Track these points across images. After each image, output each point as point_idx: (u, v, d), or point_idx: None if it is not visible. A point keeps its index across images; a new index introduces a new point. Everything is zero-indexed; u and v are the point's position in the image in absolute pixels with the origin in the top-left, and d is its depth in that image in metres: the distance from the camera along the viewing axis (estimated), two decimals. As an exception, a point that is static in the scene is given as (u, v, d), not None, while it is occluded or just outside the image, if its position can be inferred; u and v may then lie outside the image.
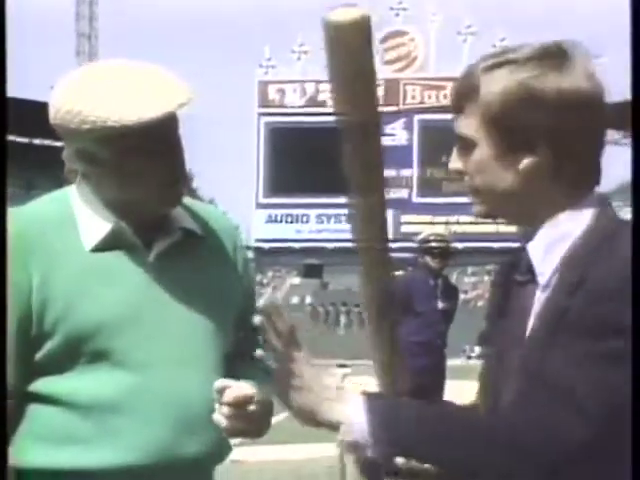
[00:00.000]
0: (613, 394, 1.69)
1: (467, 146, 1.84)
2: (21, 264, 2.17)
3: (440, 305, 8.76)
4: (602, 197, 1.87)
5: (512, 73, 1.77)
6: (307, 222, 64.56)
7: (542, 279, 1.84)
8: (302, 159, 62.53)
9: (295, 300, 60.60)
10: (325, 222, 64.37)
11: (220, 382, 2.14)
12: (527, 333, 1.83)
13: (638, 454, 1.59)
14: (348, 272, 54.56)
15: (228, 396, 2.12)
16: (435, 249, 8.51)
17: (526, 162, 1.79)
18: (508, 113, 1.77)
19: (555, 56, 1.79)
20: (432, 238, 8.72)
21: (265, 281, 61.22)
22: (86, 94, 2.12)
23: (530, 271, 1.86)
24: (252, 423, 2.19)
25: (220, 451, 2.33)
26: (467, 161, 1.86)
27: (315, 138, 63.28)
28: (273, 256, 62.25)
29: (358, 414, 1.71)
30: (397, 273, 8.84)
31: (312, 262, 63.34)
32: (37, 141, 59.17)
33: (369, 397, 1.74)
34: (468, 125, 1.83)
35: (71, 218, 2.25)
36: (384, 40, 65.06)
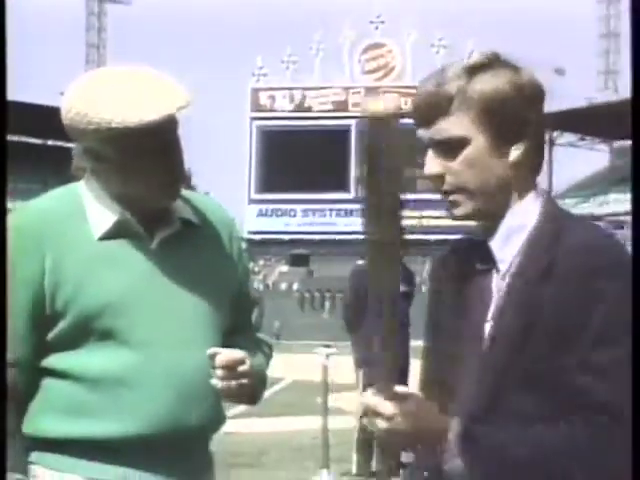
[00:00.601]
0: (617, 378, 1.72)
1: (451, 147, 1.83)
2: (36, 250, 2.18)
3: (401, 288, 8.74)
4: (544, 191, 1.91)
5: (496, 75, 1.81)
6: (294, 216, 64.56)
7: (503, 266, 1.85)
8: (290, 159, 62.49)
9: (283, 286, 60.59)
10: (310, 216, 64.40)
11: (212, 349, 2.17)
12: (495, 317, 1.82)
13: (638, 453, 1.58)
14: (332, 261, 54.60)
15: (220, 359, 2.16)
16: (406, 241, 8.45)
17: (515, 153, 1.82)
18: (501, 108, 1.80)
19: (508, 61, 1.86)
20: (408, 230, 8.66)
21: (256, 269, 61.16)
22: (92, 98, 2.12)
23: (490, 259, 1.86)
24: (245, 387, 2.20)
25: (215, 422, 2.32)
26: (451, 161, 1.84)
27: (302, 140, 63.32)
28: (263, 247, 62.25)
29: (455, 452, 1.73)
30: (359, 262, 8.82)
31: (299, 252, 63.35)
32: (50, 142, 59.00)
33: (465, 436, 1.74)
34: (455, 126, 1.82)
35: (81, 210, 2.25)
36: (364, 51, 65.09)
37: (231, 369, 2.17)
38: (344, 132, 64.22)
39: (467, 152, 1.83)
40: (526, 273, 1.79)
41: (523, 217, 1.85)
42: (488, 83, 1.81)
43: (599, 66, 73.26)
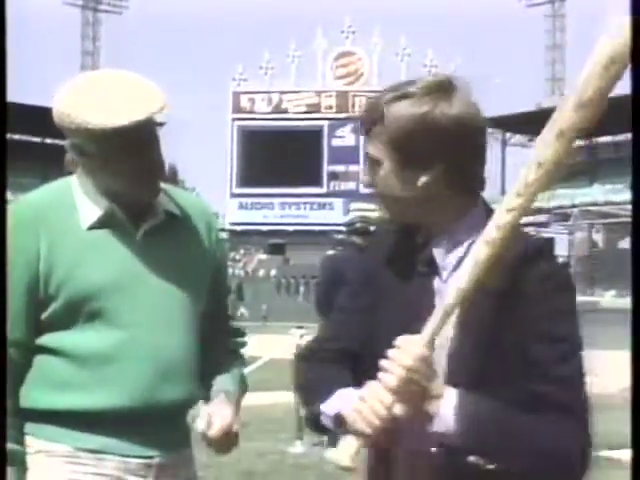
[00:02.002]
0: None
1: (374, 164, 1.85)
2: (32, 238, 2.19)
3: None
4: (488, 206, 1.90)
5: (411, 105, 1.79)
6: (272, 209, 64.50)
7: (445, 273, 1.86)
8: (268, 157, 62.44)
9: (262, 273, 60.54)
10: (287, 209, 64.37)
11: (205, 419, 2.20)
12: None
13: (638, 453, 1.57)
14: (306, 250, 54.63)
15: (214, 432, 2.20)
16: (360, 230, 8.42)
17: (423, 179, 1.80)
18: (408, 139, 1.79)
19: (444, 89, 1.81)
20: (357, 220, 8.64)
21: (237, 257, 61.10)
22: (76, 100, 2.14)
23: (431, 263, 1.87)
24: (234, 440, 2.29)
25: (193, 397, 2.32)
26: (374, 176, 1.86)
27: (279, 139, 63.27)
28: (244, 237, 62.19)
29: (448, 409, 1.70)
30: (329, 252, 8.81)
31: (276, 241, 63.32)
32: (49, 140, 58.67)
33: (459, 395, 1.71)
34: (374, 147, 1.84)
35: (72, 201, 2.25)
36: (336, 59, 65.03)
37: (225, 435, 2.22)
38: (317, 132, 64.20)
39: (381, 171, 1.84)
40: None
41: (467, 231, 1.84)
42: (401, 113, 1.79)
43: (546, 74, 73.65)
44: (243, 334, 2.53)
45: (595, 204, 52.66)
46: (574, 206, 53.91)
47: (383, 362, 1.68)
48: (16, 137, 59.82)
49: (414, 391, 1.68)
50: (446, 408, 1.70)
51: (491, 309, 1.75)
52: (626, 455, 1.80)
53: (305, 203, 63.83)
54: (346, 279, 2.08)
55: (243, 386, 2.45)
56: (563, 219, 52.33)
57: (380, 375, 1.69)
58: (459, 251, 1.85)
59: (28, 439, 2.21)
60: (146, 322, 2.21)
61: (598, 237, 55.46)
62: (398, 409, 1.67)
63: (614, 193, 52.61)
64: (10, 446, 2.15)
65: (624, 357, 1.72)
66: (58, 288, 2.18)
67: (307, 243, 56.35)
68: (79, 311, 2.18)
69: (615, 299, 41.83)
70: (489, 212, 1.85)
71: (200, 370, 2.32)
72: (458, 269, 1.81)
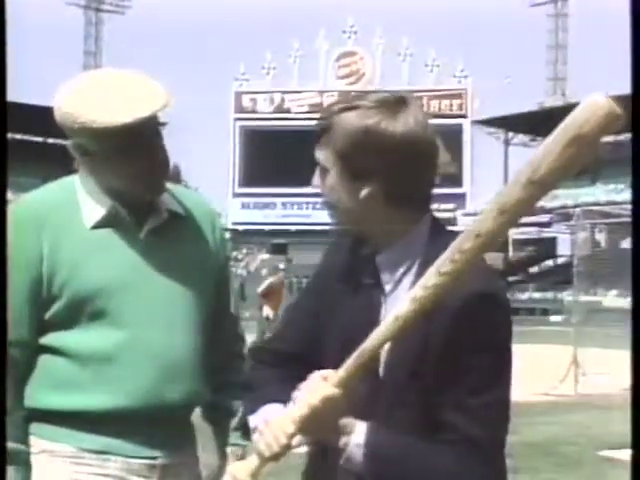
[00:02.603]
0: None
1: (322, 170, 1.86)
2: (34, 238, 2.18)
3: None
4: (434, 217, 1.89)
5: (358, 117, 1.79)
6: (274, 208, 64.54)
7: (388, 287, 1.86)
8: (270, 156, 62.45)
9: (264, 273, 60.50)
10: (289, 208, 64.40)
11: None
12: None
13: (638, 452, 1.56)
14: (308, 249, 54.58)
15: None
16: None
17: (364, 191, 1.80)
18: (352, 149, 1.79)
19: (394, 105, 1.80)
20: None
21: (240, 257, 61.09)
22: (78, 99, 2.13)
23: (376, 278, 1.86)
24: None
25: (196, 398, 2.32)
26: (321, 182, 1.87)
27: (281, 139, 63.28)
28: (246, 236, 62.20)
29: (355, 446, 1.72)
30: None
31: (278, 241, 63.32)
32: (51, 140, 58.68)
33: (368, 432, 1.73)
34: (322, 154, 1.85)
35: (75, 201, 2.24)
36: (338, 59, 65.06)
37: None
38: (319, 132, 64.17)
39: (328, 179, 1.85)
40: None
41: (407, 250, 1.84)
42: (347, 123, 1.79)
43: (548, 73, 73.63)
44: (243, 340, 2.51)
45: (597, 204, 52.55)
46: (576, 206, 53.64)
47: (295, 393, 1.73)
48: (18, 137, 59.81)
49: (319, 426, 1.71)
50: (353, 444, 1.73)
51: (413, 340, 1.73)
52: (627, 455, 1.78)
53: (307, 203, 63.78)
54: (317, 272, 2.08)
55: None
56: (565, 219, 52.15)
57: (289, 405, 1.74)
58: (400, 269, 1.84)
59: (32, 439, 2.20)
60: (150, 322, 2.21)
61: (600, 237, 55.41)
62: (297, 441, 1.72)
63: (616, 193, 52.57)
64: (14, 446, 2.15)
65: (626, 357, 1.71)
66: (61, 287, 2.18)
67: (309, 243, 56.32)
68: (82, 311, 2.17)
69: (617, 299, 41.84)
70: (437, 231, 1.86)
71: (204, 371, 2.31)
72: (399, 286, 1.83)
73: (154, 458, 2.22)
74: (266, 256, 63.67)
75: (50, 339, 2.20)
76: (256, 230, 63.38)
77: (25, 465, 2.18)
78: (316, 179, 1.90)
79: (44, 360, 2.21)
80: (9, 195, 2.12)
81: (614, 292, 43.98)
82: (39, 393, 2.20)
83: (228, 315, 2.45)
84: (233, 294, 2.47)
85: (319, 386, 1.69)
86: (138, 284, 2.22)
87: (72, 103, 2.13)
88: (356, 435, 1.72)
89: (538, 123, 58.60)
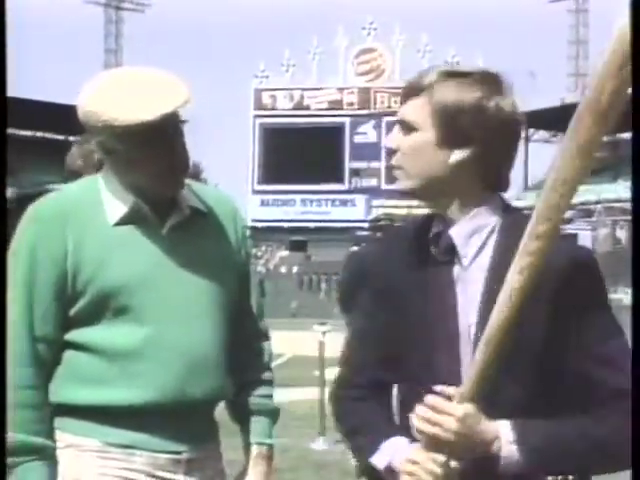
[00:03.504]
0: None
1: (407, 129, 1.87)
2: (59, 236, 2.20)
3: None
4: (505, 200, 1.93)
5: (466, 86, 1.83)
6: (293, 205, 64.53)
7: (465, 260, 1.86)
8: (290, 153, 62.46)
9: (283, 270, 60.59)
10: (308, 205, 64.38)
11: None
12: (481, 309, 1.82)
13: (638, 452, 1.57)
14: (328, 246, 54.63)
15: None
16: (384, 227, 8.42)
17: (456, 156, 1.83)
18: (455, 116, 1.82)
19: (494, 82, 1.85)
20: (382, 217, 8.65)
21: (259, 254, 61.15)
22: (101, 98, 2.15)
23: (451, 252, 1.87)
24: None
25: (220, 393, 2.33)
26: (404, 141, 1.87)
27: (300, 136, 63.27)
28: (266, 233, 62.20)
29: (509, 446, 1.73)
30: (354, 248, 8.82)
31: (298, 238, 63.34)
32: (72, 138, 58.85)
33: (514, 428, 1.74)
34: (415, 112, 1.86)
35: (98, 199, 2.26)
36: (357, 55, 64.97)
37: None
38: (339, 128, 64.17)
39: (415, 138, 1.85)
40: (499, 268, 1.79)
41: (487, 217, 1.87)
42: (452, 90, 1.82)
43: (569, 69, 73.33)
44: (267, 335, 2.52)
45: (619, 200, 52.31)
46: (598, 202, 53.59)
47: (423, 425, 1.71)
48: (39, 135, 60.08)
49: (466, 446, 1.71)
50: (506, 444, 1.72)
51: (531, 309, 1.75)
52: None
53: (327, 200, 63.79)
54: (368, 279, 2.08)
55: (275, 418, 2.47)
56: (586, 215, 52.00)
57: (423, 439, 1.73)
58: (479, 237, 1.86)
59: (58, 434, 2.22)
60: (173, 317, 2.22)
61: (621, 234, 55.08)
62: (454, 463, 1.71)
63: (638, 189, 51.95)
64: (41, 441, 2.18)
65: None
66: (86, 284, 2.20)
67: (329, 240, 56.36)
68: (107, 307, 2.20)
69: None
70: (507, 206, 1.91)
71: (228, 366, 2.32)
72: (481, 255, 1.84)
73: (179, 453, 2.24)
74: (285, 253, 63.74)
75: (75, 335, 2.22)
76: (275, 227, 63.41)
77: (51, 460, 2.20)
78: (393, 139, 1.90)
79: (69, 356, 2.23)
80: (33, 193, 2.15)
81: (631, 289, 43.61)
82: (64, 388, 2.22)
83: (250, 312, 2.46)
84: (255, 291, 2.48)
85: (450, 408, 1.70)
86: (161, 280, 2.23)
87: (94, 102, 2.15)
88: (504, 434, 1.73)
89: (559, 119, 58.22)
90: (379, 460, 1.85)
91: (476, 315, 1.83)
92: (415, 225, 1.97)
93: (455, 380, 1.78)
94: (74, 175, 3.39)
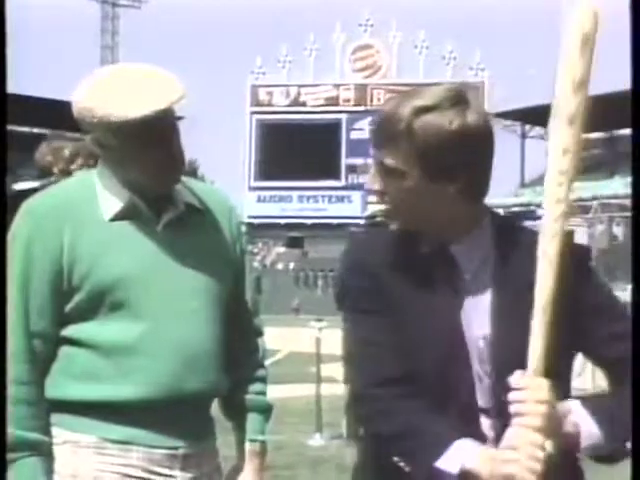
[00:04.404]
0: None
1: (391, 174, 1.85)
2: (55, 232, 2.20)
3: None
4: (488, 206, 1.96)
5: (440, 118, 1.80)
6: (290, 202, 64.57)
7: (467, 276, 1.87)
8: (286, 150, 62.47)
9: (280, 266, 60.65)
10: (305, 202, 64.41)
11: None
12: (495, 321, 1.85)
13: (638, 452, 1.58)
14: (324, 243, 54.68)
15: None
16: (381, 223, 8.41)
17: (451, 190, 1.82)
18: (439, 151, 1.80)
19: (463, 100, 1.83)
20: (378, 214, 8.65)
21: (255, 250, 61.20)
22: (96, 94, 2.15)
23: (455, 268, 1.88)
24: None
25: (217, 388, 2.34)
26: (390, 186, 1.86)
27: (297, 132, 63.28)
28: (262, 230, 62.25)
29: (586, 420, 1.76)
30: (349, 242, 8.81)
31: (294, 235, 63.37)
32: (69, 135, 58.73)
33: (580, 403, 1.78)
34: (395, 158, 1.83)
35: (93, 194, 2.27)
36: (354, 52, 64.96)
37: None
38: (335, 125, 64.20)
39: (404, 182, 1.84)
40: (515, 282, 1.82)
41: (484, 232, 1.90)
42: (430, 124, 1.79)
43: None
44: (261, 333, 2.52)
45: (615, 197, 52.40)
46: (594, 199, 53.67)
47: (516, 407, 1.69)
48: (34, 131, 60.05)
49: (553, 422, 1.70)
50: (584, 420, 1.75)
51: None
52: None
53: (323, 196, 63.84)
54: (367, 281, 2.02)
55: (268, 415, 2.47)
56: (583, 212, 52.06)
57: (517, 421, 1.69)
58: (481, 252, 1.88)
59: (54, 430, 2.22)
60: (169, 313, 2.23)
61: (618, 230, 55.19)
62: (549, 445, 1.69)
63: (634, 186, 52.00)
64: (37, 436, 2.18)
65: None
66: (82, 280, 2.20)
67: (325, 236, 56.40)
68: (102, 302, 2.20)
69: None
70: (496, 216, 1.95)
71: (224, 362, 2.32)
72: (483, 269, 1.86)
73: (176, 448, 2.24)
74: (282, 250, 63.78)
75: (71, 331, 2.22)
76: (272, 223, 63.44)
77: (48, 456, 2.20)
78: (375, 181, 1.89)
79: (65, 351, 2.23)
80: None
81: (631, 285, 43.71)
82: (61, 384, 2.22)
83: (245, 308, 2.46)
84: (250, 288, 2.48)
85: (534, 382, 1.70)
86: (156, 276, 2.24)
87: (89, 98, 2.16)
88: (576, 410, 1.76)
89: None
90: (449, 463, 1.73)
91: (489, 326, 1.84)
92: (407, 235, 1.93)
93: (470, 393, 1.82)
94: (44, 171, 3.40)
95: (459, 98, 1.82)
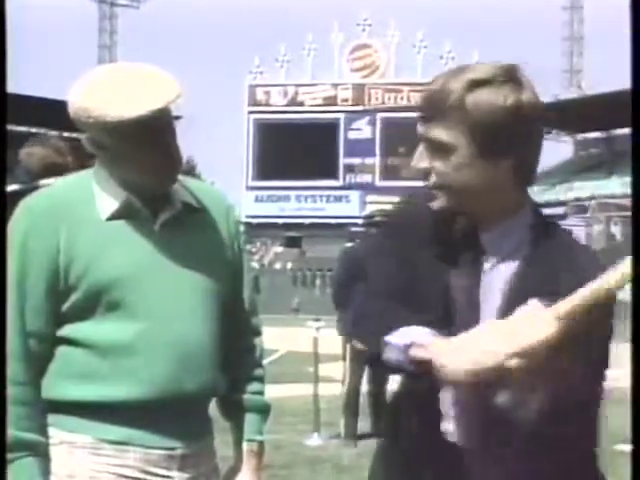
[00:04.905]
0: None
1: (440, 149, 1.81)
2: (51, 232, 2.20)
3: None
4: (536, 206, 1.91)
5: (495, 93, 1.76)
6: (288, 201, 64.55)
7: (487, 265, 1.85)
8: (284, 149, 62.46)
9: (278, 266, 60.61)
10: (303, 201, 64.39)
11: None
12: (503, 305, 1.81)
13: (638, 452, 1.56)
14: (322, 243, 54.65)
15: None
16: (379, 223, 8.41)
17: (501, 168, 1.79)
18: (493, 126, 1.76)
19: (517, 77, 1.80)
20: (376, 213, 8.63)
21: (254, 250, 61.15)
22: (92, 94, 2.15)
23: (478, 252, 1.85)
24: None
25: (214, 388, 2.33)
26: (439, 162, 1.82)
27: (295, 132, 63.25)
28: (260, 229, 62.23)
29: None
30: (349, 244, 8.83)
31: (292, 234, 63.34)
32: (66, 134, 58.75)
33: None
34: (446, 132, 1.79)
35: (90, 193, 2.26)
36: (352, 51, 64.92)
37: None
38: (333, 125, 64.18)
39: (454, 158, 1.80)
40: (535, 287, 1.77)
41: (518, 229, 1.85)
42: (485, 99, 1.76)
43: (563, 65, 73.35)
44: (259, 333, 2.52)
45: (613, 196, 52.38)
46: (592, 198, 53.66)
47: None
48: (33, 130, 59.99)
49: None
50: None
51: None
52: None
53: (321, 196, 63.82)
54: (366, 271, 2.05)
55: (266, 415, 2.47)
56: (581, 211, 52.06)
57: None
58: (509, 244, 1.84)
59: (51, 430, 2.22)
60: (166, 312, 2.22)
61: (616, 230, 55.15)
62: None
63: (632, 185, 52.00)
64: (33, 437, 2.17)
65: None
66: (78, 279, 2.19)
67: (323, 236, 56.37)
68: (99, 302, 2.19)
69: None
70: (539, 214, 1.89)
71: (221, 362, 2.32)
72: (500, 265, 1.83)
73: (173, 449, 2.23)
74: (280, 249, 63.75)
75: (67, 331, 2.22)
76: (270, 223, 63.42)
77: (45, 456, 2.20)
78: (421, 159, 1.85)
79: (62, 351, 2.23)
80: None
81: (631, 285, 43.71)
82: (57, 384, 2.21)
83: (243, 308, 2.46)
84: (248, 287, 2.48)
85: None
86: (153, 275, 2.23)
87: (84, 98, 2.15)
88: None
89: (553, 116, 58.33)
90: (399, 338, 1.75)
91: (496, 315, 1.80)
92: (439, 216, 1.89)
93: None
94: (49, 170, 3.40)
95: (512, 75, 1.79)
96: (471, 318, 1.80)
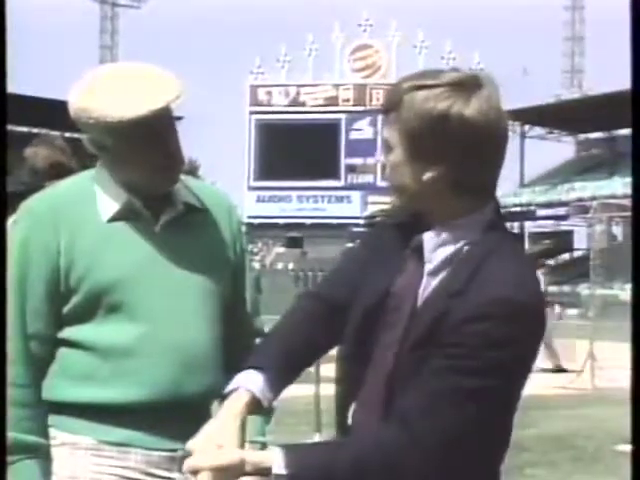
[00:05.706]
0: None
1: (387, 147, 1.83)
2: (52, 233, 2.19)
3: None
4: (497, 209, 1.85)
5: (429, 98, 1.74)
6: (290, 202, 64.51)
7: (429, 266, 1.82)
8: (286, 150, 62.43)
9: (280, 266, 60.53)
10: (304, 202, 64.36)
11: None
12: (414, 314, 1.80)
13: (638, 451, 1.56)
14: (324, 243, 54.57)
15: None
16: (379, 223, 8.42)
17: (429, 174, 1.77)
18: (420, 131, 1.74)
19: (466, 87, 1.75)
20: (377, 214, 8.65)
21: (255, 250, 61.11)
22: (93, 94, 2.14)
23: (419, 254, 1.84)
24: None
25: (215, 390, 2.32)
26: (385, 159, 1.85)
27: (296, 132, 63.23)
28: (262, 230, 62.15)
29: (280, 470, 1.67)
30: (349, 245, 8.83)
31: (294, 235, 63.14)
32: (67, 134, 58.74)
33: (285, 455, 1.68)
34: (389, 131, 1.81)
35: (91, 195, 2.26)
36: (353, 52, 64.91)
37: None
38: (335, 125, 64.14)
39: (392, 156, 1.82)
40: (445, 288, 1.77)
41: (459, 234, 1.80)
42: (417, 103, 1.74)
43: (565, 66, 73.33)
44: (262, 332, 2.51)
45: (614, 197, 52.34)
46: (593, 199, 53.57)
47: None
48: (35, 131, 59.99)
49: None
50: (278, 469, 1.66)
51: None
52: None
53: (323, 196, 63.77)
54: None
55: (268, 416, 2.45)
56: (582, 212, 51.96)
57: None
58: (446, 250, 1.81)
59: (52, 431, 2.22)
60: (167, 314, 2.22)
61: (617, 230, 55.18)
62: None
63: (634, 186, 51.96)
64: (34, 439, 2.17)
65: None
66: (79, 281, 2.19)
67: (325, 236, 56.33)
68: (100, 304, 2.19)
69: (634, 292, 41.47)
70: (496, 219, 1.83)
71: (223, 363, 2.32)
72: (442, 268, 1.80)
73: (174, 450, 2.22)
74: (281, 249, 63.70)
75: (68, 333, 2.22)
76: (271, 224, 63.36)
77: (46, 458, 2.20)
78: (381, 155, 1.89)
79: (62, 353, 2.22)
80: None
81: (631, 286, 43.69)
82: (58, 386, 2.21)
83: (245, 309, 2.45)
84: (250, 288, 2.47)
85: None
86: (154, 277, 2.23)
87: (85, 99, 2.15)
88: (275, 464, 1.67)
89: (554, 116, 58.42)
90: (235, 380, 1.87)
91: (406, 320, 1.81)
92: (406, 220, 1.92)
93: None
94: (55, 168, 3.40)
95: (463, 84, 1.74)
96: (398, 325, 1.81)
